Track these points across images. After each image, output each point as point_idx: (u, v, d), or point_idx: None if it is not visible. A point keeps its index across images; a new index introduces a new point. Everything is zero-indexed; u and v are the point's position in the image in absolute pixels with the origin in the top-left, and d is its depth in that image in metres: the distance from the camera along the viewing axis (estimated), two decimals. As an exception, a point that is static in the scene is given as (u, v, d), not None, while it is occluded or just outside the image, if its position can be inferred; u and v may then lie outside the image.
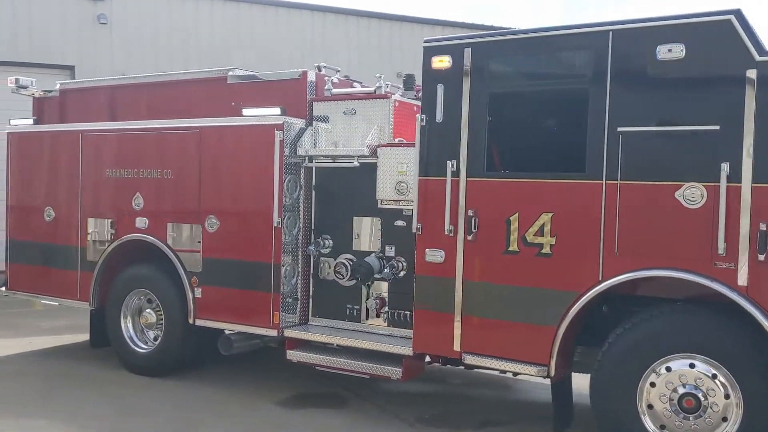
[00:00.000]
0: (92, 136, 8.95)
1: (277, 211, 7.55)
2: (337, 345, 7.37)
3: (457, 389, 8.47)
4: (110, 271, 8.93)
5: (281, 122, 7.57)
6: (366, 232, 7.51)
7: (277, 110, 7.63)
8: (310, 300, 7.86)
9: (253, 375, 8.74)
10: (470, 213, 6.38)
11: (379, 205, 7.36)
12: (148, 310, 8.72)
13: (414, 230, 6.73)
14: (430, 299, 6.69)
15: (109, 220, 8.82)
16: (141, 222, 8.56)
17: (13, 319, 12.02)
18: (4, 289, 9.91)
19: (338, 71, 8.18)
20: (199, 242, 8.11)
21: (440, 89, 6.57)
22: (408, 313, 7.18)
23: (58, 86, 9.86)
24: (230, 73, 8.38)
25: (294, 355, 7.60)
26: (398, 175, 7.18)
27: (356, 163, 7.37)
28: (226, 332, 8.06)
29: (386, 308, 7.38)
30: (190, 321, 8.18)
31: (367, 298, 7.49)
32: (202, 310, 8.12)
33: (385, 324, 7.40)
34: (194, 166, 8.14)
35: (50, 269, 9.38)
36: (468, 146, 6.42)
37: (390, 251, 7.34)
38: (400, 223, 7.27)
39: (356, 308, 7.56)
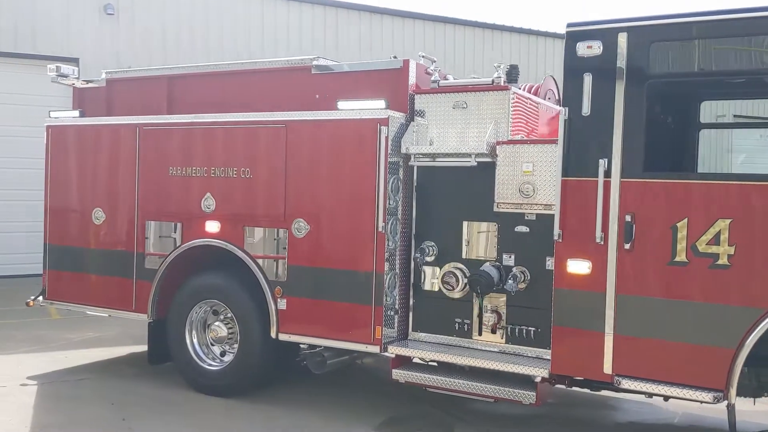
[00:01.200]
0: (153, 130, 8.08)
1: (381, 215, 6.77)
2: (468, 366, 6.60)
3: (556, 410, 7.76)
4: (173, 279, 8.06)
5: (386, 116, 6.81)
6: (479, 239, 6.79)
7: (380, 103, 6.87)
8: (410, 313, 7.09)
9: (334, 394, 7.95)
10: (627, 218, 5.68)
11: (496, 209, 6.64)
12: (216, 324, 7.88)
13: (555, 237, 6.01)
14: (572, 315, 5.99)
15: (173, 224, 7.96)
16: (212, 226, 7.72)
17: (35, 330, 11.05)
18: (41, 299, 8.95)
19: (434, 61, 7.43)
20: (284, 248, 7.30)
21: (588, 79, 5.89)
22: (532, 329, 6.49)
23: (104, 76, 8.96)
24: (315, 62, 7.59)
25: (401, 374, 6.83)
26: (523, 176, 6.47)
27: (474, 162, 6.63)
28: (314, 348, 7.28)
29: (503, 323, 6.64)
30: (273, 335, 7.36)
31: (480, 312, 6.75)
32: (287, 324, 7.31)
33: (502, 341, 6.68)
34: (279, 164, 7.33)
35: (99, 277, 8.48)
36: (623, 143, 5.74)
37: (508, 260, 6.63)
38: (521, 228, 6.55)
39: (467, 323, 6.82)
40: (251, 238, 7.52)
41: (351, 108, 6.99)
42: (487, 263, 6.70)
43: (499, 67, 6.79)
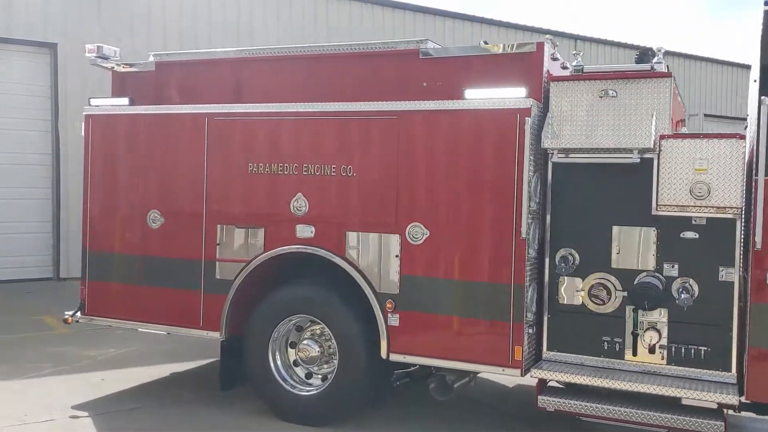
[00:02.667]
0: (227, 121, 7.02)
1: (525, 220, 5.91)
2: (655, 392, 5.75)
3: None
4: (249, 292, 7.01)
5: (527, 106, 5.95)
6: (633, 246, 5.98)
7: (520, 91, 6.02)
8: (545, 329, 6.24)
9: (439, 420, 7.03)
10: None
11: (656, 212, 5.86)
12: (305, 342, 6.88)
13: (757, 246, 5.26)
14: (774, 334, 5.24)
15: (254, 229, 6.91)
16: (304, 230, 6.71)
17: (46, 346, 9.78)
18: (79, 314, 7.75)
19: (557, 46, 6.60)
20: (397, 257, 6.36)
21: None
22: (702, 349, 5.72)
23: (152, 59, 7.81)
24: (423, 46, 6.65)
25: (550, 402, 5.99)
26: (695, 175, 5.72)
27: (636, 159, 5.83)
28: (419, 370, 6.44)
29: (663, 341, 5.87)
30: (383, 355, 6.42)
31: (635, 329, 5.95)
32: (400, 342, 6.38)
33: (663, 361, 5.91)
34: (389, 160, 6.39)
35: (156, 289, 7.35)
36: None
37: (671, 270, 5.85)
38: (689, 234, 5.79)
39: (617, 341, 6.02)
40: (354, 244, 6.55)
41: (483, 97, 6.10)
42: (643, 274, 5.91)
43: (660, 50, 6.00)
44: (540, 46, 6.26)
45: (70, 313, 7.77)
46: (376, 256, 6.47)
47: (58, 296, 14.07)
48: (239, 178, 6.98)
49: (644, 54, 6.47)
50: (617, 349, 6.02)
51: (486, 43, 6.67)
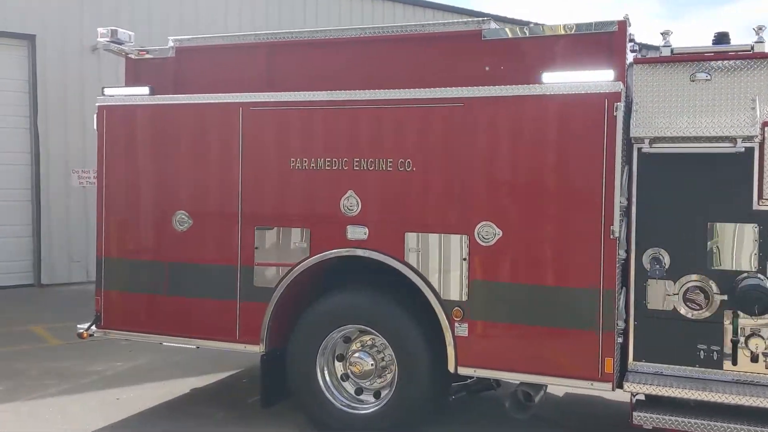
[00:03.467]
0: (265, 111, 6.30)
1: (616, 217, 5.31)
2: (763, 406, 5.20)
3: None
4: (291, 300, 6.32)
5: (617, 90, 5.34)
6: (730, 245, 5.43)
7: (607, 73, 5.42)
8: (631, 338, 5.65)
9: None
10: None
11: (758, 206, 5.30)
12: (357, 355, 6.21)
13: None
14: None
15: (298, 230, 6.21)
16: (356, 231, 6.04)
17: (44, 361, 8.96)
18: (94, 328, 6.97)
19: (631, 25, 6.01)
20: (465, 260, 5.72)
21: None
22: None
23: (172, 44, 7.06)
24: (486, 27, 6.01)
25: (647, 419, 5.40)
26: (804, 165, 5.15)
27: (740, 148, 5.26)
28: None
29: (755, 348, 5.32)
30: (450, 369, 5.78)
31: (735, 336, 5.39)
32: (469, 354, 5.75)
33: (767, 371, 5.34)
34: (455, 152, 5.75)
35: (184, 299, 6.62)
36: None
37: (776, 270, 5.30)
38: (798, 231, 5.24)
39: (714, 349, 5.45)
40: (415, 246, 5.90)
41: (565, 81, 5.48)
42: (744, 275, 5.35)
43: (762, 29, 5.43)
44: (622, 25, 5.66)
45: (84, 326, 6.99)
46: (440, 260, 5.83)
47: (42, 304, 13.22)
48: (281, 175, 6.28)
49: (723, 35, 5.90)
50: (715, 359, 5.45)
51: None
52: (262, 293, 6.32)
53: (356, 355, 6.20)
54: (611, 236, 5.33)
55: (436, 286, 5.82)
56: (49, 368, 8.61)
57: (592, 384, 5.44)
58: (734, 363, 5.41)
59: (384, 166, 5.95)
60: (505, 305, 5.66)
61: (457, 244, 5.76)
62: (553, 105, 5.50)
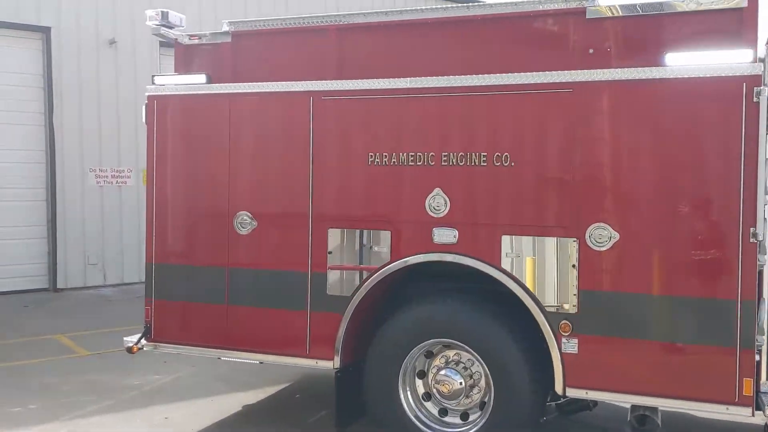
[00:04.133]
0: (339, 101, 5.64)
1: (762, 217, 4.65)
2: None
3: None
4: (369, 310, 5.66)
5: (758, 72, 4.69)
6: None
7: (746, 53, 4.75)
8: (764, 355, 4.98)
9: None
10: None
11: None
12: (444, 372, 5.55)
13: None
14: None
15: (377, 233, 5.55)
16: (445, 234, 5.38)
17: (79, 374, 8.29)
18: (144, 342, 6.30)
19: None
20: (574, 266, 5.06)
21: None
22: None
23: (227, 27, 6.37)
24: (590, 4, 5.34)
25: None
26: None
27: None
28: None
29: None
30: (557, 390, 5.11)
31: None
32: (580, 374, 5.09)
33: None
34: (562, 144, 5.09)
35: (246, 309, 5.96)
36: None
37: None
38: None
39: None
40: (513, 251, 5.23)
41: (694, 63, 4.81)
42: None
43: None
44: (753, 1, 4.98)
45: (133, 339, 6.32)
46: (544, 266, 5.16)
47: (62, 310, 12.52)
48: (357, 172, 5.62)
49: None
50: None
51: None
52: (336, 302, 5.66)
53: (442, 372, 5.54)
54: (750, 240, 4.66)
55: (539, 296, 5.16)
56: (83, 382, 7.94)
57: (727, 408, 4.77)
58: None
59: (477, 160, 5.28)
60: (622, 318, 5.00)
61: (565, 249, 5.10)
62: (679, 90, 4.84)
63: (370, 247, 5.59)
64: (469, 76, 5.31)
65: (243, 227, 5.92)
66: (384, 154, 5.52)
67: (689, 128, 4.84)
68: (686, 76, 4.81)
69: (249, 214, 5.91)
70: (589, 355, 5.05)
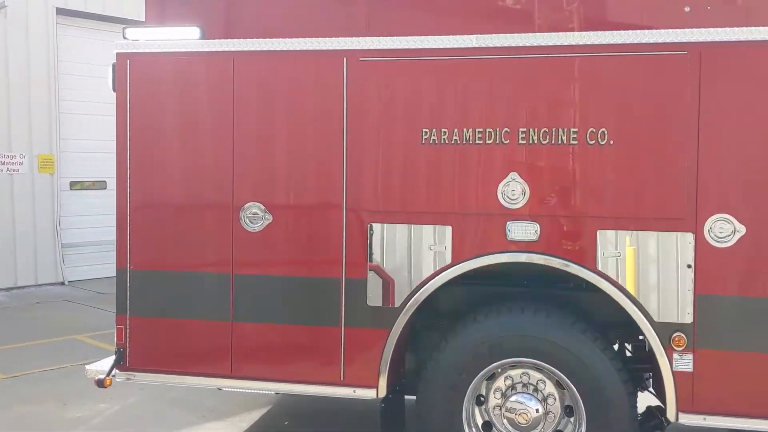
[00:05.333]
0: (381, 63, 4.43)
1: None
2: None
3: None
4: (415, 325, 4.52)
5: None
6: None
7: None
8: None
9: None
10: None
11: None
12: (515, 398, 4.47)
13: None
14: None
15: (434, 228, 4.39)
16: (522, 229, 4.29)
17: (4, 406, 6.59)
18: (115, 372, 4.85)
19: None
20: (690, 267, 4.10)
21: None
22: None
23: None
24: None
25: None
26: None
27: None
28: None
29: None
30: (670, 417, 4.15)
31: None
32: (698, 396, 4.14)
33: None
34: (676, 119, 4.10)
35: (257, 327, 4.65)
36: None
37: None
38: None
39: None
40: (613, 250, 4.21)
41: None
42: None
43: None
44: None
45: (102, 368, 4.88)
46: (651, 267, 4.17)
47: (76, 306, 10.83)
48: (406, 151, 4.44)
49: None
50: None
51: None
52: (380, 316, 4.46)
53: (513, 399, 4.45)
54: None
55: (646, 303, 4.17)
56: (11, 418, 6.30)
57: None
58: None
59: (565, 138, 4.23)
60: (749, 328, 4.08)
61: (678, 246, 4.13)
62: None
63: (426, 247, 4.41)
64: (553, 33, 4.23)
65: (253, 222, 4.60)
66: (443, 130, 4.36)
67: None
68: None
69: (261, 205, 4.60)
70: (708, 374, 4.13)
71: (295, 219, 4.59)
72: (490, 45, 4.30)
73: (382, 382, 4.46)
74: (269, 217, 4.59)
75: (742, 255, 4.06)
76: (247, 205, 4.61)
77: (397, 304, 4.45)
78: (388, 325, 4.45)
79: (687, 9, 4.34)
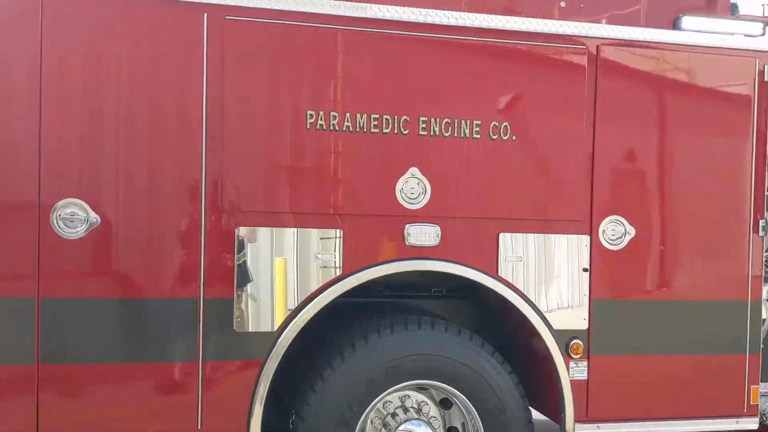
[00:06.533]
0: (255, 25, 3.45)
1: (773, 209, 4.08)
2: None
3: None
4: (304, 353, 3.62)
5: (768, 50, 4.08)
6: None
7: (755, 27, 4.09)
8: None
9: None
10: None
11: None
12: (406, 426, 3.76)
13: None
14: None
15: (320, 232, 3.52)
16: (422, 233, 3.65)
17: None
18: None
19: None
20: (586, 270, 3.83)
21: None
22: None
23: None
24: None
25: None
26: None
27: None
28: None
29: None
30: (567, 428, 3.82)
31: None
32: (593, 404, 3.89)
33: None
34: (576, 116, 3.81)
35: (70, 369, 3.32)
36: None
37: None
38: None
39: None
40: (515, 254, 3.76)
41: (704, 29, 3.98)
42: None
43: None
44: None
45: None
46: (549, 272, 3.80)
47: None
48: (287, 137, 3.48)
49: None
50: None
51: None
52: (252, 344, 3.44)
53: (402, 428, 3.72)
54: (759, 233, 4.02)
55: (545, 310, 3.77)
56: None
57: (737, 422, 4.05)
58: None
59: (468, 131, 3.66)
60: (640, 331, 3.91)
61: (575, 249, 3.80)
62: (691, 59, 3.94)
63: (311, 255, 3.49)
64: (451, 12, 3.63)
65: (71, 226, 3.23)
66: (333, 114, 3.49)
67: (703, 106, 4.00)
68: (697, 44, 3.94)
69: (83, 203, 3.24)
70: (603, 380, 3.87)
71: (133, 221, 3.33)
72: (386, 17, 3.53)
73: (255, 428, 3.41)
74: (95, 219, 3.25)
75: (632, 257, 3.86)
76: (62, 202, 3.21)
77: (274, 327, 3.44)
78: (262, 355, 3.43)
79: (562, 4, 4.05)
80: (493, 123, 3.68)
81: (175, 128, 3.35)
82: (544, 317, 3.76)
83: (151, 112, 3.33)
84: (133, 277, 3.33)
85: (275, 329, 3.45)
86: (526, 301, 3.73)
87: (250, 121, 3.42)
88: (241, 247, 3.41)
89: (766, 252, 4.16)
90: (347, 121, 3.51)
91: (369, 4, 3.52)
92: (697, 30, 3.95)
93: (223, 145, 3.36)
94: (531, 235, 3.75)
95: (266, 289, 3.45)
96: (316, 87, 3.50)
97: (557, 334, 3.78)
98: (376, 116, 3.54)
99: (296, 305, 3.47)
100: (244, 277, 3.42)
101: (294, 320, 3.46)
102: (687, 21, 3.96)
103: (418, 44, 3.61)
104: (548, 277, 3.78)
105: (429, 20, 3.59)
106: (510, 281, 3.71)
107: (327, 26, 3.48)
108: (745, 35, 4.04)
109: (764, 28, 4.06)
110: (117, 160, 3.33)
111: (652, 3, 4.04)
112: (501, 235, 3.70)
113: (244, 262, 3.42)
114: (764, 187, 4.03)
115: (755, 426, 4.09)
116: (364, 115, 3.53)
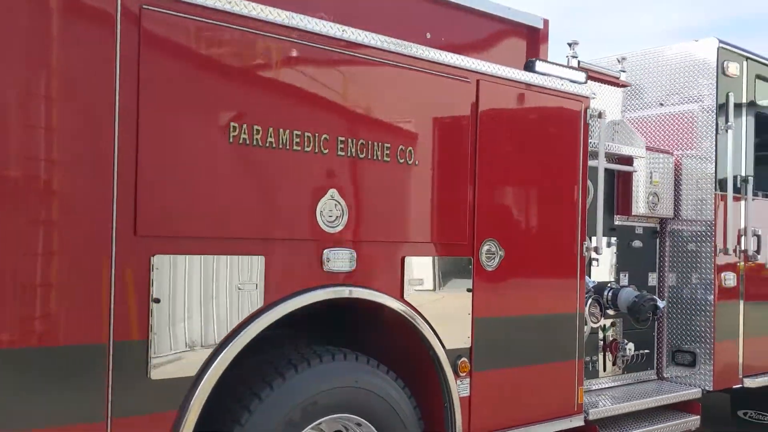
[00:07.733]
0: (177, 20, 2.89)
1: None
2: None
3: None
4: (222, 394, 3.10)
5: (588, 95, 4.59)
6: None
7: (579, 75, 4.58)
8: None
9: None
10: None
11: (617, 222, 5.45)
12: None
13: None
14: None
15: (246, 260, 3.06)
16: (339, 257, 3.36)
17: None
18: None
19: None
20: (470, 291, 3.91)
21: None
22: (645, 353, 5.58)
23: None
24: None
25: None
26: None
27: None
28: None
29: (625, 352, 5.40)
30: (455, 441, 3.84)
31: (605, 343, 5.33)
32: (478, 417, 3.92)
33: (621, 371, 5.45)
34: (462, 147, 3.88)
35: None
36: None
37: (624, 279, 5.49)
38: (636, 243, 5.57)
39: (594, 359, 5.25)
40: (418, 276, 3.66)
41: (547, 73, 4.34)
42: (609, 285, 5.31)
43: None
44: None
45: None
46: (443, 293, 3.77)
47: None
48: (209, 151, 2.94)
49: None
50: (594, 369, 5.20)
51: None
52: (169, 393, 2.81)
53: (309, 465, 3.36)
54: (584, 254, 4.48)
55: (440, 331, 3.72)
56: None
57: (570, 420, 4.42)
58: (605, 369, 5.27)
59: (380, 153, 3.47)
60: (511, 345, 4.07)
61: (462, 271, 3.83)
62: (541, 99, 4.27)
63: (233, 286, 2.97)
64: (370, 34, 3.43)
65: None
66: (256, 128, 3.03)
67: (549, 139, 4.31)
68: (541, 85, 4.26)
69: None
70: (485, 393, 3.93)
71: (24, 250, 2.49)
72: (306, 28, 3.19)
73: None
74: (-25, 248, 2.37)
75: (505, 277, 4.00)
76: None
77: (193, 372, 2.85)
78: (180, 406, 2.81)
79: (428, 35, 4.08)
80: (400, 147, 3.52)
81: (81, 142, 2.59)
82: (440, 338, 3.69)
83: (51, 122, 2.53)
84: (26, 320, 2.48)
85: (194, 374, 2.84)
86: (426, 323, 3.62)
87: (164, 131, 2.79)
88: (156, 279, 2.75)
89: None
90: (270, 137, 3.06)
91: (286, 12, 3.12)
92: (544, 73, 4.24)
93: (137, 159, 2.70)
94: (428, 258, 3.66)
95: (186, 327, 2.83)
96: (240, 95, 2.99)
97: (449, 353, 3.73)
98: (299, 133, 3.15)
99: (216, 346, 2.90)
100: (164, 315, 2.77)
101: (214, 362, 2.89)
102: (539, 65, 4.22)
103: (334, 59, 3.30)
104: (443, 299, 3.72)
105: (345, 36, 3.32)
106: (413, 305, 3.57)
107: (254, 31, 3.01)
108: (572, 81, 4.44)
109: (586, 78, 4.52)
110: (19, 170, 2.46)
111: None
112: (406, 259, 3.55)
113: (160, 296, 2.76)
114: (585, 213, 4.47)
115: (581, 423, 4.49)
116: (287, 131, 3.12)
